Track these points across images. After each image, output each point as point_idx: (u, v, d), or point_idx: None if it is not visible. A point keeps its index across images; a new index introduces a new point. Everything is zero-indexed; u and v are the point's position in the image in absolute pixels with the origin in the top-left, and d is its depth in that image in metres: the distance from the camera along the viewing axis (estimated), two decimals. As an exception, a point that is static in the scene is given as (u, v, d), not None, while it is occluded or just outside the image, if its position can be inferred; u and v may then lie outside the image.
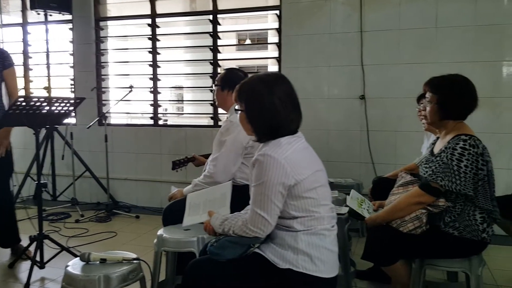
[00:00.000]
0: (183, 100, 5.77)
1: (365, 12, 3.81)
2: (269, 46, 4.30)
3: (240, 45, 12.61)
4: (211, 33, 4.44)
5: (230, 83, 2.64)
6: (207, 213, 1.81)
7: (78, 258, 1.90)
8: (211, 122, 4.64)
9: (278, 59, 4.21)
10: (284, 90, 1.65)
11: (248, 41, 14.68)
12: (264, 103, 1.62)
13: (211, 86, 2.77)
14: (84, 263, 1.87)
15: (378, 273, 2.53)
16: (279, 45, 4.19)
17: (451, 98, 2.07)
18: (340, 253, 2.31)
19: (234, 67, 3.37)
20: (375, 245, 2.06)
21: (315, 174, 1.61)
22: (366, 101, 3.90)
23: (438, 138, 2.23)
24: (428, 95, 2.14)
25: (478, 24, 3.53)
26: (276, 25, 4.23)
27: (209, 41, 4.47)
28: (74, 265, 1.85)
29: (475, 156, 1.93)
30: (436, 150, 2.13)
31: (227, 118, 2.69)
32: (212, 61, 4.47)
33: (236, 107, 1.73)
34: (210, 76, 4.47)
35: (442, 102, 2.07)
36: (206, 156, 2.90)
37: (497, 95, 3.51)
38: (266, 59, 4.27)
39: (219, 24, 4.44)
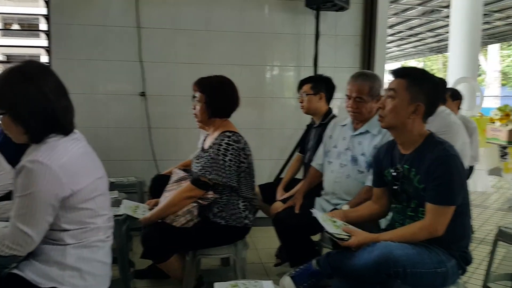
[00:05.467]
0: None
1: (141, 8, 3.77)
2: (42, 34, 3.80)
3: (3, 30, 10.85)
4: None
5: None
6: None
7: None
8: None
9: (48, 49, 3.78)
10: (52, 81, 1.44)
11: (16, 26, 12.79)
12: (31, 94, 1.37)
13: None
14: None
15: (157, 270, 2.55)
16: (48, 33, 3.76)
17: (218, 98, 2.23)
18: (118, 255, 2.24)
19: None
20: (151, 243, 2.07)
21: (94, 183, 1.47)
22: (147, 98, 3.87)
23: (208, 134, 2.38)
24: (197, 94, 2.25)
25: (245, 31, 3.92)
26: (45, 11, 3.79)
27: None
28: None
29: (237, 151, 2.13)
30: (206, 146, 2.27)
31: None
32: (-42, 46, 3.70)
33: None
34: (-44, 63, 3.70)
35: (210, 101, 2.21)
36: None
37: (261, 95, 3.97)
38: (39, 48, 3.75)
39: (-33, 2, 3.71)
